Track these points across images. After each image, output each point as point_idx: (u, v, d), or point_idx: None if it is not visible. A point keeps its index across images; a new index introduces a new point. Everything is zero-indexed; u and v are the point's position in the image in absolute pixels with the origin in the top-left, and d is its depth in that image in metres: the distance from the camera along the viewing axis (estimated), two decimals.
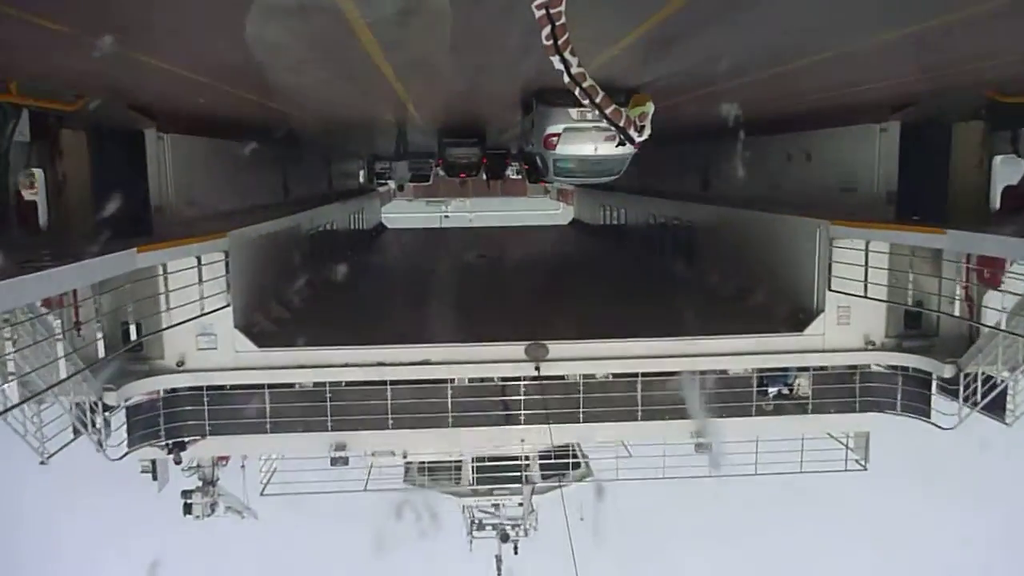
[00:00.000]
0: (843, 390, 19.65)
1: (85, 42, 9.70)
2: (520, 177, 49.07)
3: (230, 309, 17.71)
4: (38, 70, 12.09)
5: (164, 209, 17.49)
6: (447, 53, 11.89)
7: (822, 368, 19.58)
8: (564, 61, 6.71)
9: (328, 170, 38.13)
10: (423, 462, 23.96)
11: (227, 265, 17.52)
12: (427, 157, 38.61)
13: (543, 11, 6.32)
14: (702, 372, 18.98)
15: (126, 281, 15.91)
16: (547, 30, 6.44)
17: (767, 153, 24.48)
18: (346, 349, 18.19)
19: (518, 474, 23.12)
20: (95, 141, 16.77)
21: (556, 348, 18.31)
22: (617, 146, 9.82)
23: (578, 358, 18.48)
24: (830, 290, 18.78)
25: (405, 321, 19.63)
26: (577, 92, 7.14)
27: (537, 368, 18.19)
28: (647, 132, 8.62)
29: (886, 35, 10.44)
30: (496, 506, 24.97)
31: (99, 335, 16.35)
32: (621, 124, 7.92)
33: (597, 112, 7.50)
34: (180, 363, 17.89)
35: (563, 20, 6.39)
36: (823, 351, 19.01)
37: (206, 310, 17.18)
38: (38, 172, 16.09)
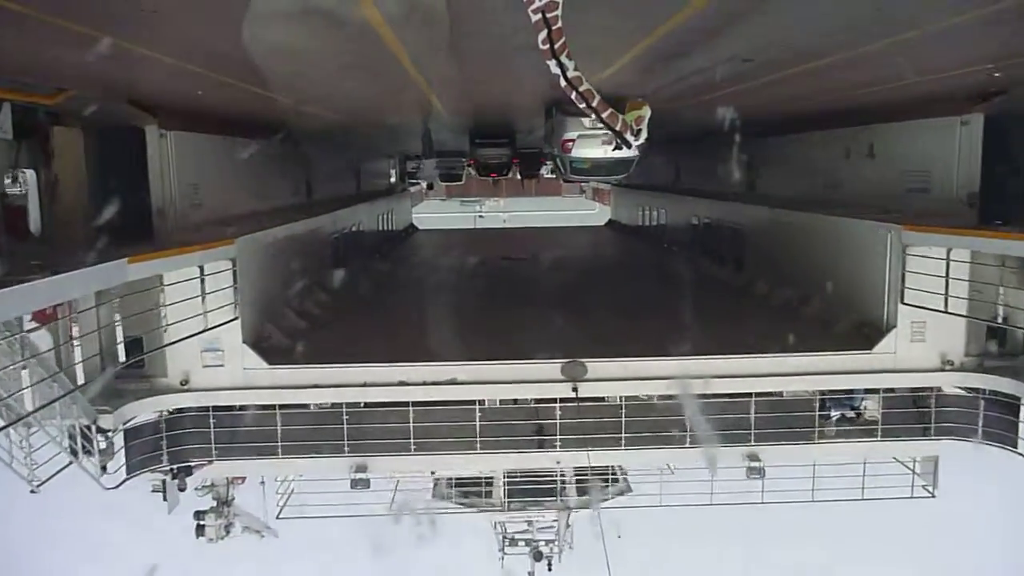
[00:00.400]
0: (915, 414, 17.71)
1: (47, 25, 8.24)
2: (555, 176, 47.55)
3: (238, 322, 16.22)
4: None
5: (167, 213, 16.05)
6: (467, 62, 12.15)
7: (891, 390, 17.64)
8: (560, 65, 6.74)
9: (357, 169, 37.02)
10: (452, 478, 22.49)
11: (235, 274, 16.00)
12: (459, 156, 37.41)
13: (539, 15, 6.35)
14: (758, 394, 17.13)
15: (126, 292, 14.52)
16: (543, 34, 6.47)
17: (823, 149, 22.82)
18: (365, 366, 16.65)
19: (553, 491, 21.62)
20: (91, 139, 15.44)
21: (595, 367, 16.59)
22: (614, 150, 9.81)
23: (620, 378, 16.74)
24: (902, 303, 16.86)
25: (430, 335, 17.98)
26: (573, 96, 7.14)
27: (575, 389, 16.52)
28: (643, 136, 8.71)
29: (972, 12, 8.96)
30: (529, 522, 23.59)
31: (81, 354, 14.78)
32: (617, 128, 7.88)
33: (594, 116, 7.56)
34: (184, 382, 16.44)
35: (559, 24, 6.39)
36: (895, 371, 17.09)
37: (213, 324, 15.70)
38: (29, 173, 14.80)
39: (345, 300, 23.22)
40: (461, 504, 23.07)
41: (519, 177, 41.75)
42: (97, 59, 9.84)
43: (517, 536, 24.34)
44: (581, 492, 21.98)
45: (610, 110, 7.54)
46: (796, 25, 10.15)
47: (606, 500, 22.01)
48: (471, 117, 25.82)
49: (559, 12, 6.34)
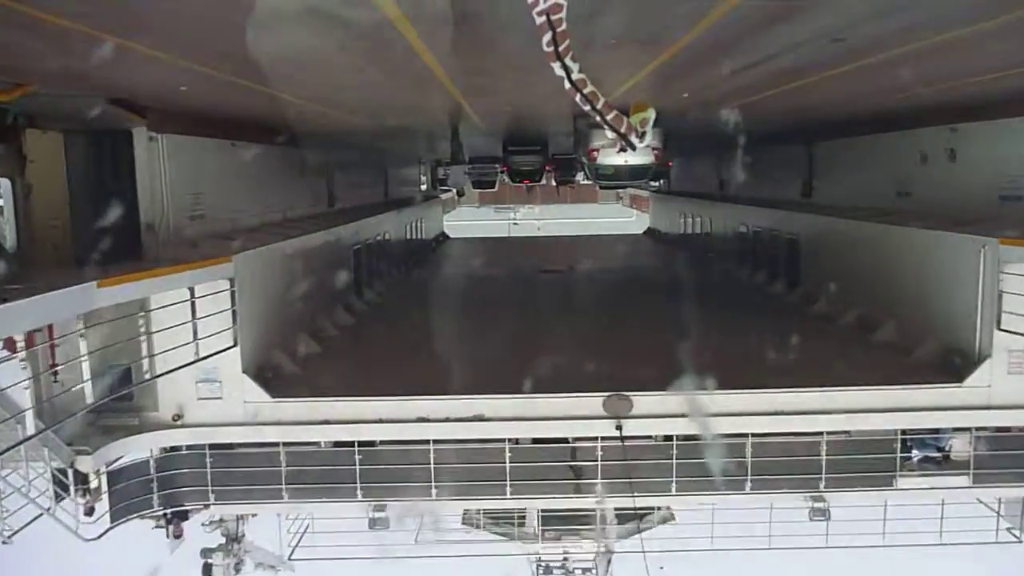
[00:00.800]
0: (1009, 455, 15.43)
1: None
2: (590, 182, 45.92)
3: (237, 350, 14.43)
4: None
5: (158, 226, 14.34)
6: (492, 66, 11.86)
7: (982, 428, 15.40)
8: (565, 67, 6.74)
9: (384, 175, 35.52)
10: (481, 508, 20.75)
11: (233, 296, 14.21)
12: (492, 162, 35.96)
13: (544, 18, 6.36)
14: (831, 432, 14.99)
15: (114, 316, 12.86)
16: (548, 36, 6.45)
17: (894, 153, 20.68)
18: (380, 400, 14.80)
19: (591, 523, 19.75)
20: (72, 144, 13.76)
21: (642, 402, 14.55)
22: (619, 151, 8.71)
23: (670, 415, 14.68)
24: (999, 329, 14.64)
25: (455, 363, 16.02)
26: (578, 98, 7.15)
27: (619, 427, 14.53)
28: (648, 137, 8.56)
29: None
30: (566, 551, 21.79)
31: (38, 389, 13.04)
32: (622, 130, 7.85)
33: (598, 117, 7.53)
34: (177, 416, 14.69)
35: (564, 27, 6.42)
36: (989, 407, 14.83)
37: (209, 352, 13.91)
38: (3, 183, 13.19)
39: (362, 322, 21.47)
40: (492, 534, 21.34)
41: (554, 183, 40.38)
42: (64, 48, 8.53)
43: (552, 565, 22.70)
44: (621, 522, 20.18)
45: (615, 112, 7.55)
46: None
47: (648, 529, 20.17)
48: (503, 123, 24.75)
49: (563, 14, 6.30)
